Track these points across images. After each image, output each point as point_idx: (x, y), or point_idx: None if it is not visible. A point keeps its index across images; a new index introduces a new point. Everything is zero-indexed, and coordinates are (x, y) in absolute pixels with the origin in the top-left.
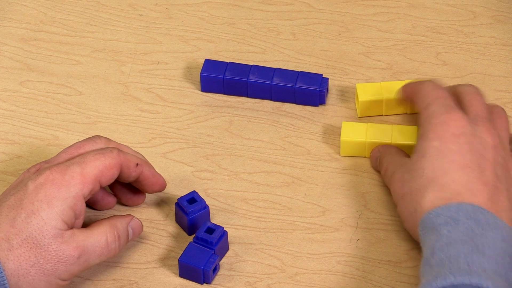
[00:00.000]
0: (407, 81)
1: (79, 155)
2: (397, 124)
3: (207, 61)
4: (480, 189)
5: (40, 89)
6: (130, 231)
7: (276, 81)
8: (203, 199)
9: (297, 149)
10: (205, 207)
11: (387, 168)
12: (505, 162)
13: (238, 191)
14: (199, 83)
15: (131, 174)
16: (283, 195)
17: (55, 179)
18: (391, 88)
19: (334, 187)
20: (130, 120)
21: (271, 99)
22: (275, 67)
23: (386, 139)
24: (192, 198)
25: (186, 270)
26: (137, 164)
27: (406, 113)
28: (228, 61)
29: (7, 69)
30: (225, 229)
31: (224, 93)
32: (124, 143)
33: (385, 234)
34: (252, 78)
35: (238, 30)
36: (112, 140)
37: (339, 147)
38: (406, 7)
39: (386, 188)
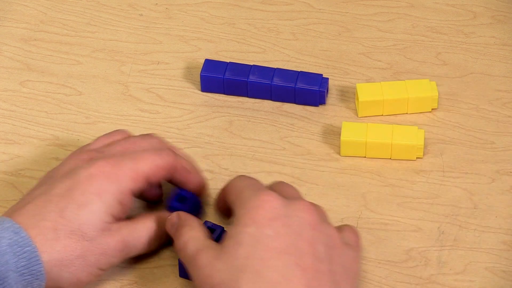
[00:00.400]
0: (407, 81)
1: (133, 150)
2: (397, 124)
3: (207, 61)
4: (298, 275)
5: (40, 89)
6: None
7: (276, 81)
8: (191, 193)
9: (297, 149)
10: (195, 200)
11: (187, 244)
12: (328, 237)
13: None
14: (199, 83)
15: (179, 178)
16: None
17: (108, 172)
18: (391, 88)
19: (334, 187)
20: (130, 120)
21: (271, 99)
22: (275, 67)
23: (386, 139)
24: (181, 196)
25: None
26: (187, 171)
27: (406, 113)
28: (228, 61)
29: (7, 69)
30: (225, 229)
31: (224, 93)
32: None
33: (385, 234)
34: (252, 78)
35: (238, 30)
36: (166, 141)
37: (339, 147)
38: (406, 7)
39: (386, 188)
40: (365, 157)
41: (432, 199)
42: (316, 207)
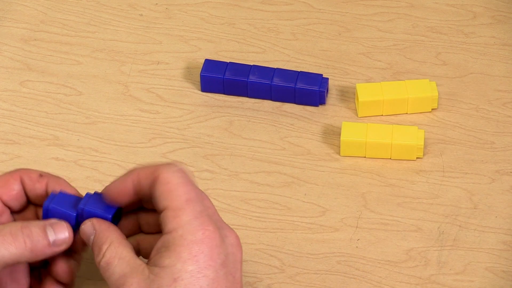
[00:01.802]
0: (407, 81)
1: None
2: (397, 124)
3: (207, 61)
4: None
5: (40, 89)
6: (51, 231)
7: (276, 81)
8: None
9: (297, 149)
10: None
11: (111, 265)
12: (242, 277)
13: (238, 191)
14: (199, 83)
15: (35, 185)
16: (283, 195)
17: None
18: (391, 88)
19: (334, 187)
20: (130, 120)
21: (271, 99)
22: (275, 67)
23: (386, 139)
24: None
25: None
26: (40, 175)
27: (406, 113)
28: (228, 61)
29: (7, 69)
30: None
31: (224, 93)
32: (124, 143)
33: (385, 234)
34: (252, 78)
35: (238, 30)
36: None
37: (339, 147)
38: (406, 7)
39: (386, 188)
40: (365, 157)
41: (432, 199)
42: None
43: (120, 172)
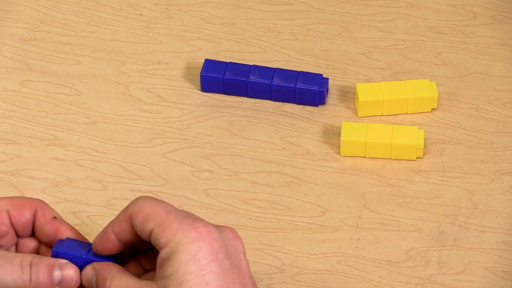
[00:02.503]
0: (407, 81)
1: None
2: (397, 124)
3: (207, 61)
4: None
5: (40, 89)
6: (58, 274)
7: (276, 81)
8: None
9: (297, 149)
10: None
11: None
12: (248, 266)
13: (238, 191)
14: (199, 83)
15: (45, 225)
16: (283, 195)
17: None
18: (391, 88)
19: (334, 187)
20: (130, 120)
21: (271, 99)
22: (275, 67)
23: (386, 139)
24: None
25: None
26: (54, 218)
27: (406, 113)
28: (228, 61)
29: (7, 69)
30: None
31: (224, 93)
32: (124, 143)
33: (385, 234)
34: (252, 78)
35: (238, 30)
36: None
37: (339, 147)
38: (406, 7)
39: (386, 188)
40: (365, 157)
41: (432, 199)
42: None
43: (120, 172)
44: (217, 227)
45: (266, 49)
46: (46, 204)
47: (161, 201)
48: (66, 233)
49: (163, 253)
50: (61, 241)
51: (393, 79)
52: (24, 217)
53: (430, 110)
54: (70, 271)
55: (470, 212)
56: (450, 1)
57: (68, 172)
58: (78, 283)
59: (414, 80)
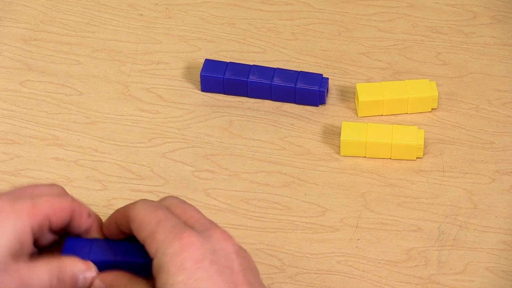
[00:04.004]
0: (407, 81)
1: (32, 192)
2: (397, 124)
3: (207, 61)
4: None
5: (40, 89)
6: (82, 280)
7: (276, 81)
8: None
9: (297, 149)
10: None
11: None
12: (247, 259)
13: (238, 191)
14: (199, 83)
15: (82, 223)
16: (283, 195)
17: (4, 208)
18: (391, 88)
19: (334, 187)
20: (130, 120)
21: (271, 99)
22: (275, 67)
23: (386, 139)
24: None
25: None
26: (89, 215)
27: (406, 113)
28: (228, 61)
29: (7, 69)
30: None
31: (224, 93)
32: (124, 143)
33: (385, 234)
34: (252, 78)
35: (238, 30)
36: (67, 192)
37: (339, 147)
38: (406, 7)
39: (386, 188)
40: (365, 157)
41: (432, 199)
42: (228, 235)
43: (120, 172)
44: (205, 232)
45: (266, 49)
46: (80, 202)
47: (158, 207)
48: (97, 231)
49: (154, 264)
50: (88, 245)
51: (393, 79)
52: (63, 223)
53: (430, 110)
54: (91, 273)
55: (470, 212)
56: (450, 1)
57: (68, 172)
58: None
59: (414, 80)
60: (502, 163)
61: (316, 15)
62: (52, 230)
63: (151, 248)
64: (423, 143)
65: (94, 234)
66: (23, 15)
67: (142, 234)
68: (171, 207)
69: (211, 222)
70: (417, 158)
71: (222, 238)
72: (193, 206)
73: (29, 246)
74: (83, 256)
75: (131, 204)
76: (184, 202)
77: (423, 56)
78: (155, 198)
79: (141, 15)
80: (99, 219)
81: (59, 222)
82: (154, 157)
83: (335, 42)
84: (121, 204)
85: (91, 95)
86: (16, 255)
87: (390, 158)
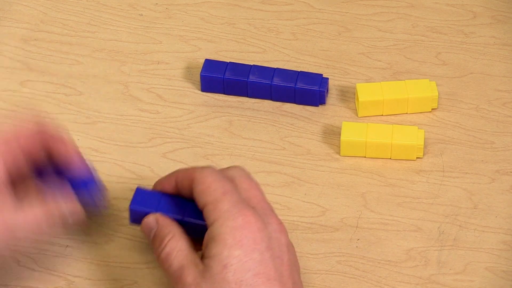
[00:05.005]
0: (407, 81)
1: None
2: (397, 124)
3: (207, 61)
4: None
5: (40, 89)
6: (70, 220)
7: (276, 81)
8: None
9: (297, 149)
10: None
11: (170, 256)
12: (295, 258)
13: None
14: (199, 83)
15: (56, 149)
16: (283, 195)
17: None
18: (391, 88)
19: (334, 187)
20: (130, 120)
21: (271, 99)
22: (275, 67)
23: (386, 139)
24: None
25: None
26: (63, 141)
27: (406, 113)
28: (228, 61)
29: (7, 69)
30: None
31: (224, 93)
32: (124, 143)
33: (385, 234)
34: (252, 78)
35: (238, 30)
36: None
37: (339, 147)
38: (406, 7)
39: (386, 188)
40: (365, 157)
41: (432, 199)
42: (284, 226)
43: (120, 172)
44: (264, 217)
45: (266, 49)
46: (49, 125)
47: (223, 179)
48: (79, 160)
49: (209, 232)
50: (157, 198)
51: (393, 79)
52: (37, 149)
53: (430, 110)
54: (78, 216)
55: (470, 212)
56: (450, 1)
57: None
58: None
59: (414, 80)
60: (502, 163)
61: (316, 15)
62: (39, 162)
63: (210, 215)
64: (423, 143)
65: (75, 163)
66: (23, 15)
67: (205, 199)
68: (236, 179)
69: (271, 208)
70: (417, 158)
71: (279, 229)
72: (257, 184)
73: (6, 184)
74: (151, 208)
75: (198, 167)
76: (250, 177)
77: (423, 56)
78: None
79: (141, 15)
80: (76, 148)
81: (30, 145)
82: (154, 157)
83: (335, 42)
84: (121, 204)
85: (91, 95)
86: None
87: (390, 158)
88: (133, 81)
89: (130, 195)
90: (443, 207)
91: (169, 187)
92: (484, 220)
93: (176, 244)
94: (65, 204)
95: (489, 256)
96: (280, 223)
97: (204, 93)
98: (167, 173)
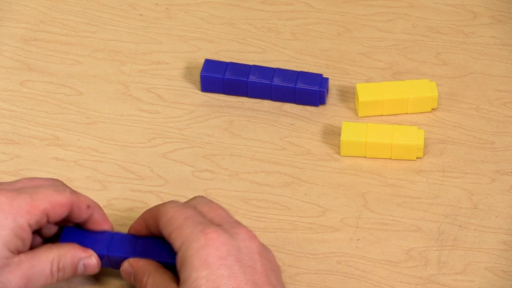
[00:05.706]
0: (407, 81)
1: (32, 186)
2: (397, 124)
3: (207, 61)
4: None
5: (40, 89)
6: (81, 267)
7: (276, 81)
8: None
9: (297, 149)
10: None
11: None
12: (270, 260)
13: (238, 191)
14: (199, 83)
15: (82, 215)
16: (283, 195)
17: (3, 204)
18: (391, 88)
19: (334, 187)
20: (130, 120)
21: (271, 99)
22: (275, 67)
23: (386, 139)
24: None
25: None
26: (88, 206)
27: (406, 113)
28: (228, 61)
29: (7, 69)
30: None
31: (224, 93)
32: (124, 143)
33: (385, 234)
34: (252, 78)
35: (238, 30)
36: (67, 185)
37: (339, 147)
38: (406, 7)
39: (386, 188)
40: (365, 157)
41: (432, 199)
42: (253, 233)
43: (120, 172)
44: (230, 230)
45: (266, 49)
46: (79, 193)
47: (186, 206)
48: (98, 220)
49: (178, 258)
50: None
51: (393, 79)
52: (61, 217)
53: (430, 110)
54: (91, 261)
55: (470, 212)
56: (450, 1)
57: (68, 172)
58: (99, 267)
59: (414, 80)
60: (502, 163)
61: (316, 15)
62: (52, 222)
63: (176, 242)
64: (423, 143)
65: (94, 224)
66: (23, 15)
67: (169, 228)
68: (198, 206)
69: (237, 221)
70: (417, 158)
71: (247, 237)
72: (220, 205)
73: (28, 240)
74: (98, 247)
75: (161, 203)
76: (211, 201)
77: (423, 56)
78: (155, 198)
79: (141, 15)
80: (99, 208)
81: (57, 216)
82: (154, 157)
83: (335, 42)
84: (121, 204)
85: (91, 95)
86: (17, 251)
87: (390, 158)
88: (133, 81)
89: (130, 195)
90: (443, 207)
91: (141, 229)
92: (484, 220)
93: (153, 281)
94: (78, 251)
95: (489, 256)
96: (248, 231)
97: (204, 93)
98: (166, 173)
